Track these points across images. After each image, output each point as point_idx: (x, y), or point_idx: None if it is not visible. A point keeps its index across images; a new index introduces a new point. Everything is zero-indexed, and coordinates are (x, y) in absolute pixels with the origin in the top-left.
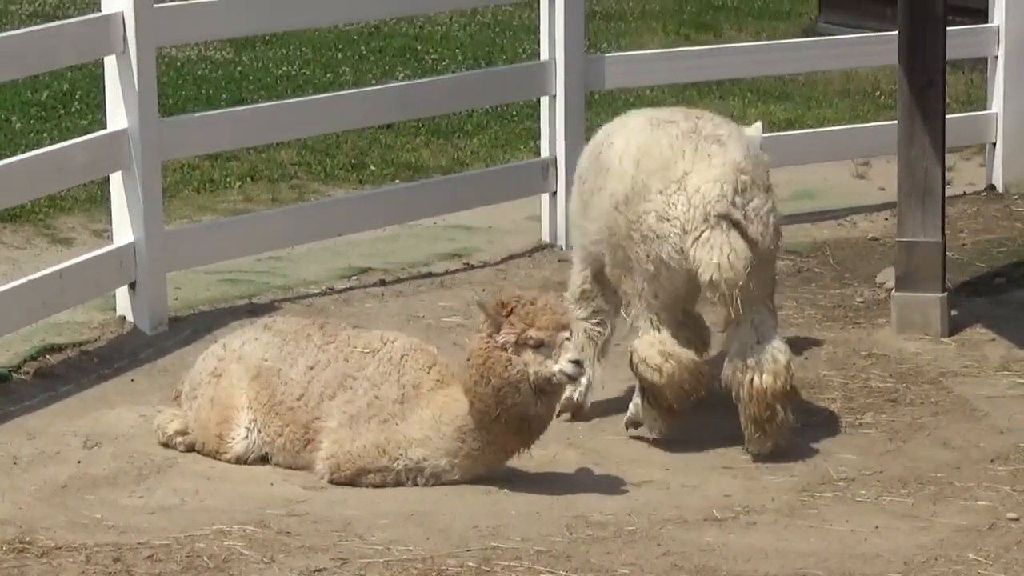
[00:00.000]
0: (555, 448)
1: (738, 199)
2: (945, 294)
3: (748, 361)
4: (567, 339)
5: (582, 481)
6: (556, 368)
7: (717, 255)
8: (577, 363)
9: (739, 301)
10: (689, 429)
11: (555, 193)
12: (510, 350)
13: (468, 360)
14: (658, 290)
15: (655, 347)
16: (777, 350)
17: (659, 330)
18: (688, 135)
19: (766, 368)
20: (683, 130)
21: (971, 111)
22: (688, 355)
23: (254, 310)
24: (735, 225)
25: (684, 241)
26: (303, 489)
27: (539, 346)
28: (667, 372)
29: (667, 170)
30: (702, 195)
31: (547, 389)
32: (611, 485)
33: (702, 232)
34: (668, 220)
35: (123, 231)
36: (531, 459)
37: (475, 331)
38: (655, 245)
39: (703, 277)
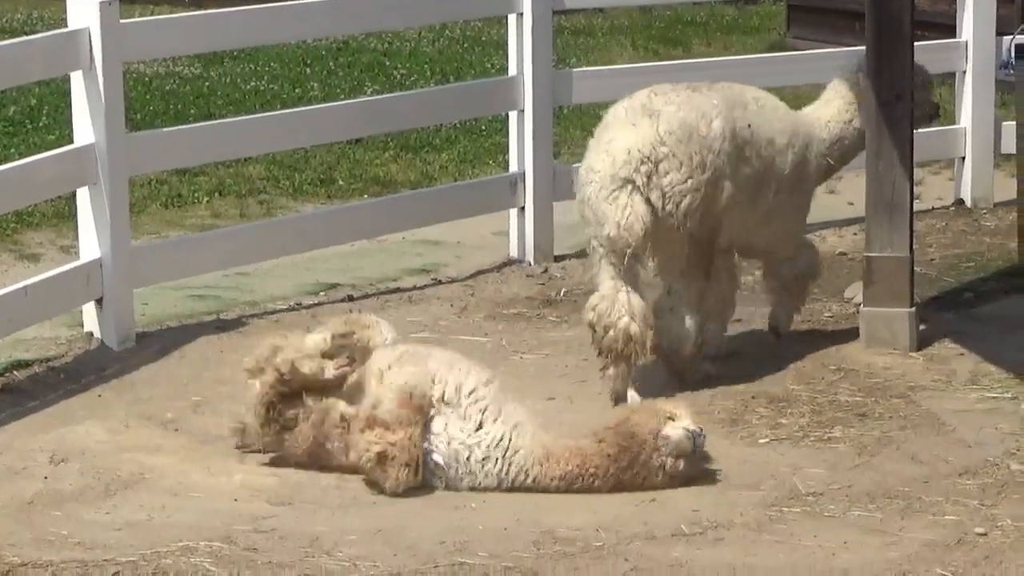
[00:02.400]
0: None
1: (644, 167)
2: (913, 309)
3: (649, 319)
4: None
5: (550, 497)
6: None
7: (617, 214)
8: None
9: (634, 261)
10: None
11: (523, 208)
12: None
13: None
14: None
15: (594, 301)
16: (686, 327)
17: (614, 282)
18: (641, 106)
19: (655, 327)
20: (641, 100)
21: (939, 126)
22: (623, 318)
23: (222, 326)
24: (638, 190)
25: (599, 194)
26: (269, 505)
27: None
28: (598, 330)
29: (604, 132)
30: (613, 158)
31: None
32: (579, 500)
33: (611, 191)
34: (593, 172)
35: (90, 247)
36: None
37: None
38: (581, 192)
39: (603, 231)
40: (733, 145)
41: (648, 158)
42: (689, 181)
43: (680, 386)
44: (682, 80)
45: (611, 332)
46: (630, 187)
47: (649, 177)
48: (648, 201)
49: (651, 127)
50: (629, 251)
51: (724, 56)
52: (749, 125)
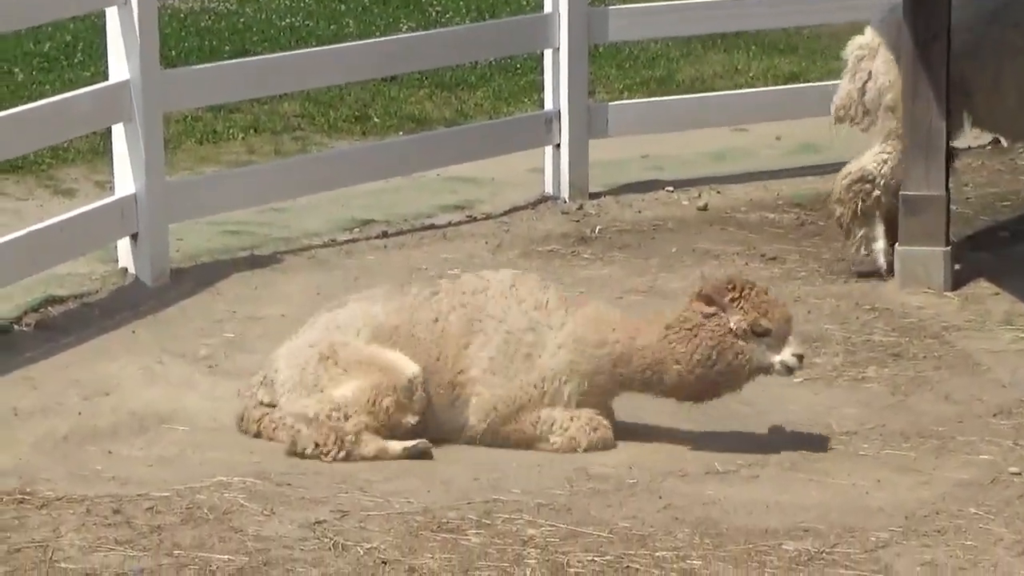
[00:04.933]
0: None
1: None
2: (949, 248)
3: None
4: (791, 333)
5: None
6: (778, 360)
7: None
8: (800, 357)
9: None
10: None
11: (558, 145)
12: (741, 337)
13: (693, 337)
14: None
15: None
16: None
17: None
18: None
19: None
20: None
21: None
22: None
23: (256, 262)
24: None
25: None
26: None
27: (765, 336)
28: None
29: None
30: None
31: (756, 376)
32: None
33: None
34: None
35: (125, 182)
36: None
37: (690, 305)
38: None
39: None
40: None
41: None
42: None
43: None
44: (716, 20)
45: None
46: None
47: None
48: None
49: None
50: None
51: None
52: None
